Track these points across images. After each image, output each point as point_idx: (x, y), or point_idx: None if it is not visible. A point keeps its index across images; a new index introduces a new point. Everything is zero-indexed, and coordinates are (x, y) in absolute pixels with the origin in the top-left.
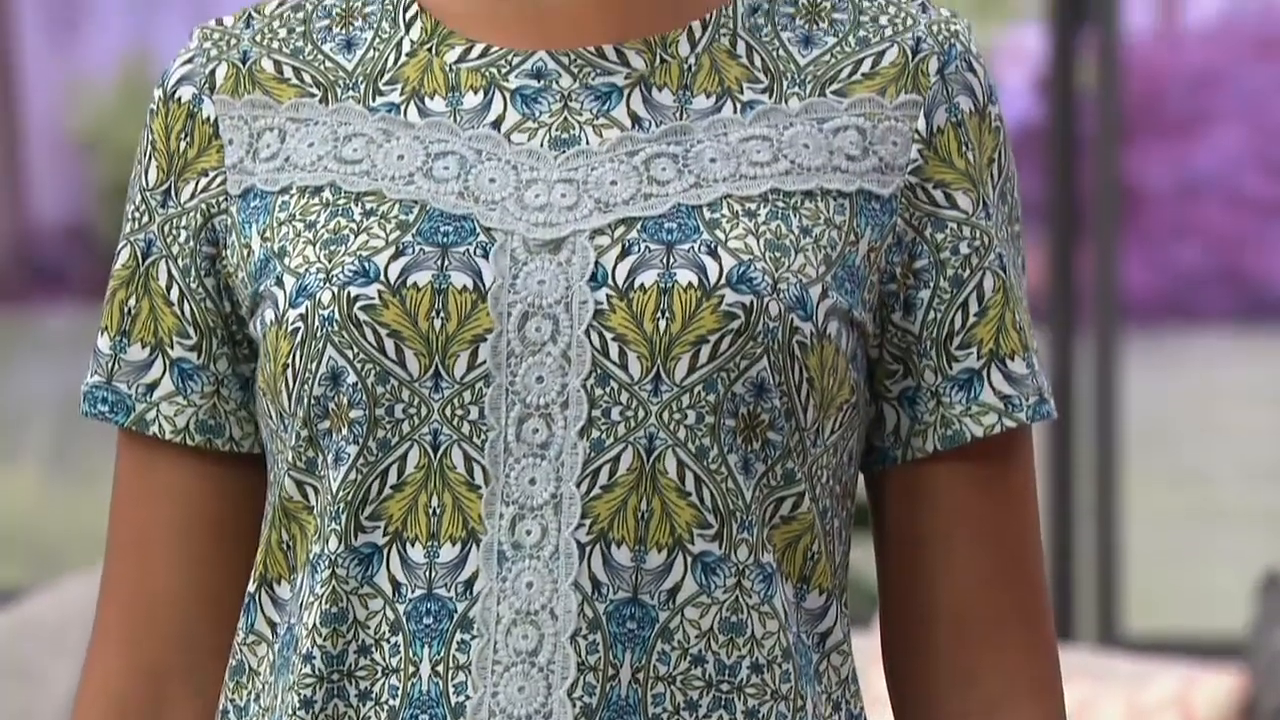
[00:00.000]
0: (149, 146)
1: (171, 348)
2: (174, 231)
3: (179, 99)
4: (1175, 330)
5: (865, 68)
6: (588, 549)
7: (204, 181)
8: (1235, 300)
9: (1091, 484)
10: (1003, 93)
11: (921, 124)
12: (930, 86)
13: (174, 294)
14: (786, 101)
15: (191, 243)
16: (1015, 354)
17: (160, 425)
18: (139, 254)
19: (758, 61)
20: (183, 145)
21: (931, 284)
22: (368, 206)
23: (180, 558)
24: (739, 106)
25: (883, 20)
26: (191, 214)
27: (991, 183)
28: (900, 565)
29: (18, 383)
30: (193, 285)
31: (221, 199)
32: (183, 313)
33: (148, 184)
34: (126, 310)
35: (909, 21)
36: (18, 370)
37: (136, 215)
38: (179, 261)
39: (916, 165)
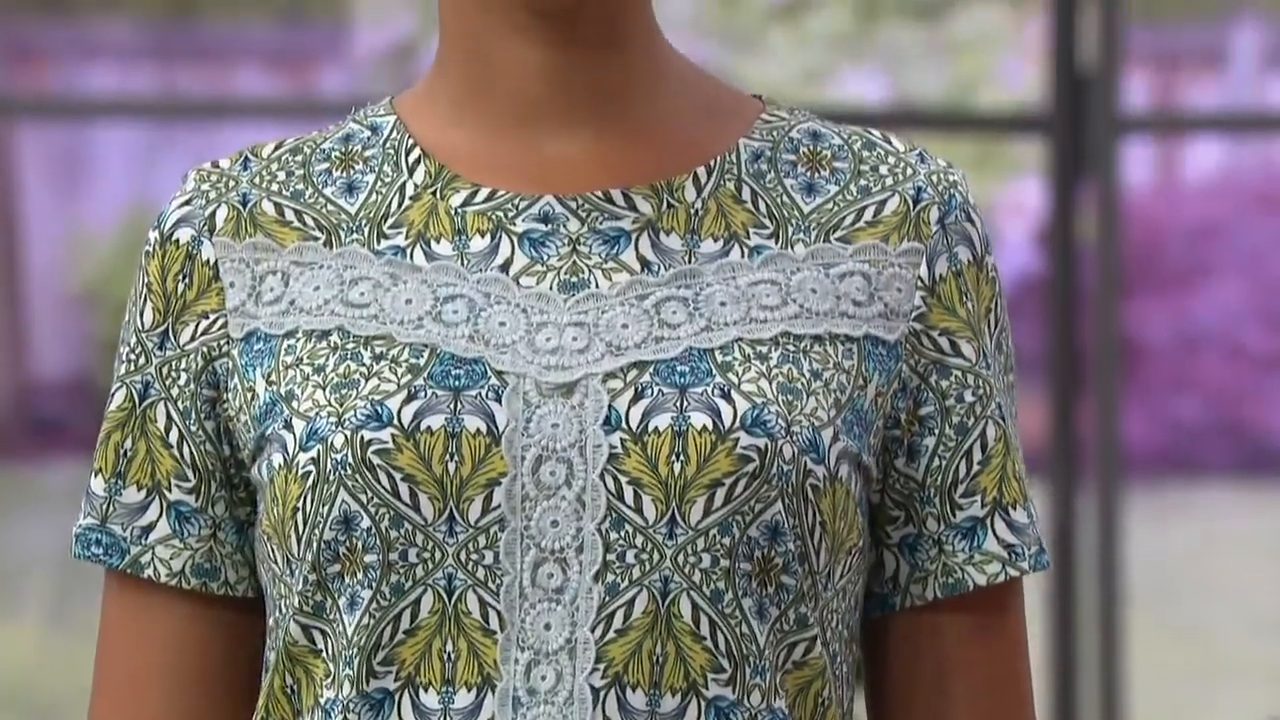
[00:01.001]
0: (144, 289)
1: (169, 490)
2: (173, 374)
3: (177, 241)
4: (1176, 483)
5: (868, 215)
6: (602, 693)
7: (204, 324)
8: (1236, 453)
9: (1094, 638)
10: (1003, 245)
11: (924, 271)
12: (931, 235)
13: (173, 436)
14: (793, 247)
15: (192, 385)
16: (1017, 503)
17: (155, 568)
18: (135, 396)
19: (763, 207)
20: (180, 287)
21: (936, 431)
22: (377, 350)
23: (174, 702)
24: (746, 251)
25: (883, 170)
26: (192, 356)
27: (989, 332)
28: (895, 712)
29: (17, 536)
30: (193, 428)
31: (223, 342)
32: (182, 455)
33: (143, 325)
34: (122, 452)
35: (909, 171)
36: (17, 524)
37: (132, 357)
38: (179, 404)
39: (920, 312)
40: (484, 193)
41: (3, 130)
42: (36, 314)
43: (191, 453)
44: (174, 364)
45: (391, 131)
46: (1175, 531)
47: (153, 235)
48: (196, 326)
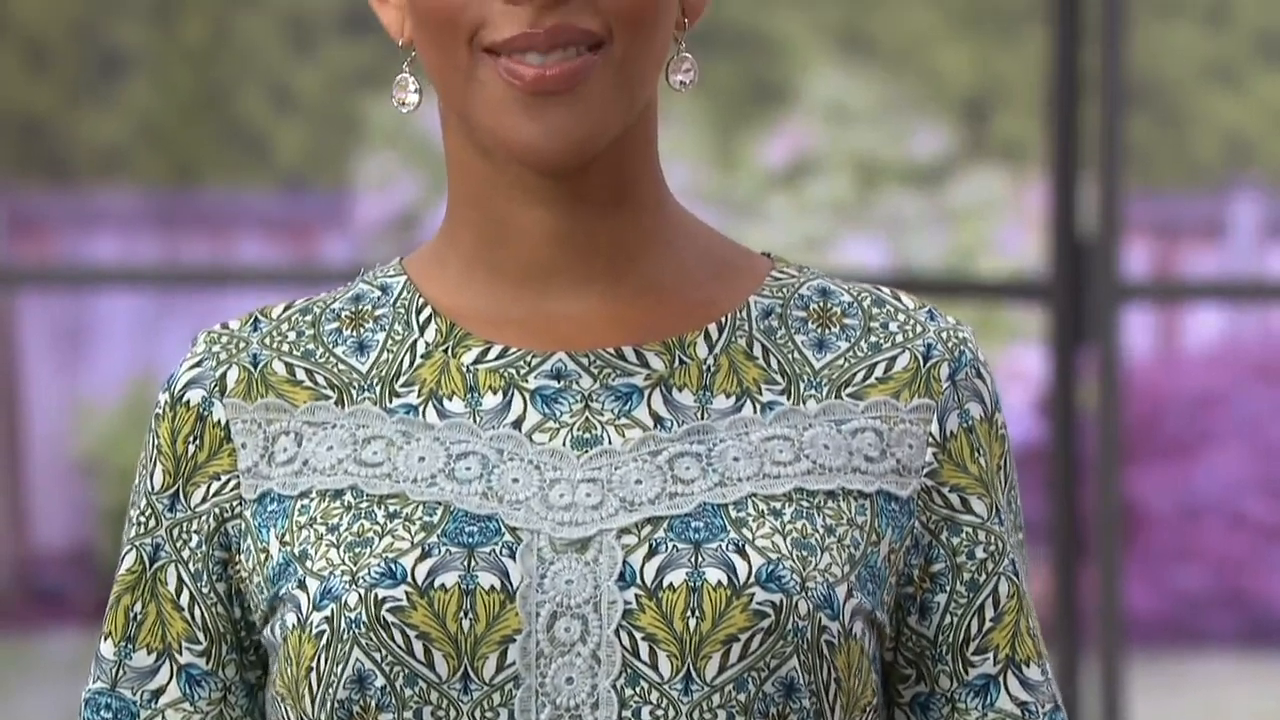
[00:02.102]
0: (154, 451)
1: (180, 653)
2: (184, 536)
3: (187, 402)
4: (1179, 652)
5: (879, 372)
6: None
7: (215, 485)
8: (1239, 623)
9: None
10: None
11: (935, 428)
12: (942, 392)
13: (184, 599)
14: (804, 403)
15: (204, 547)
16: (1030, 660)
17: None
18: (145, 558)
19: (774, 363)
20: (191, 449)
21: (948, 588)
22: (391, 509)
23: None
24: (759, 407)
25: (892, 326)
26: (204, 518)
27: (1000, 488)
28: None
29: (19, 705)
30: (204, 590)
31: (235, 503)
32: (193, 618)
33: (153, 488)
34: (132, 616)
35: (918, 329)
36: (19, 693)
37: (142, 520)
38: (190, 566)
39: (932, 469)
40: (496, 350)
41: (5, 299)
42: (38, 484)
43: (203, 615)
44: (185, 526)
45: (402, 291)
46: (1178, 702)
47: (163, 398)
48: (208, 488)
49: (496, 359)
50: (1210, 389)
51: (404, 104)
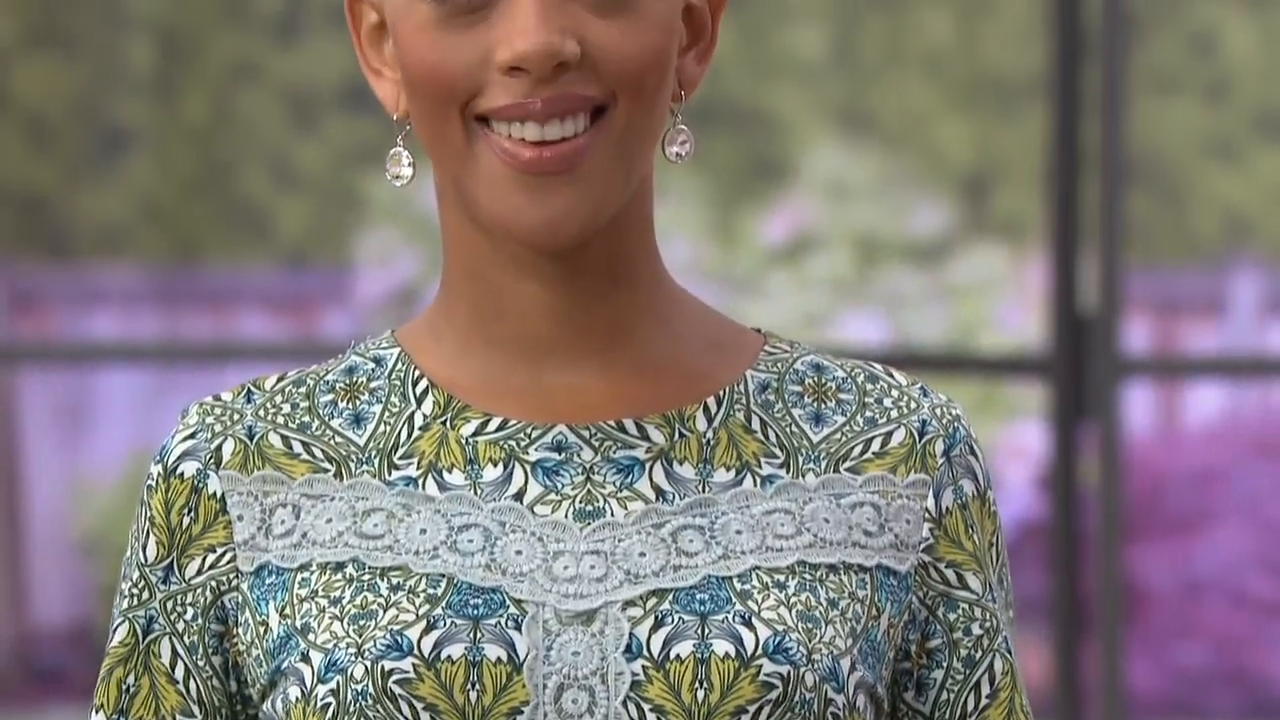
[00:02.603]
0: (147, 523)
1: None
2: (179, 608)
3: (181, 474)
4: None
5: (875, 447)
6: None
7: (211, 558)
8: (1240, 700)
9: None
10: (1004, 489)
11: (930, 503)
12: (937, 468)
13: (179, 671)
14: (804, 476)
15: (200, 620)
16: None
17: None
18: (139, 630)
19: (773, 437)
20: (186, 521)
21: (945, 664)
22: (394, 581)
23: None
24: (759, 480)
25: (887, 402)
26: (199, 591)
27: (992, 565)
28: None
29: None
30: (199, 663)
31: (232, 576)
32: (188, 690)
33: (146, 560)
34: (125, 688)
35: (913, 405)
36: None
37: (134, 592)
38: (185, 639)
39: (928, 544)
40: (495, 422)
41: (5, 376)
42: (37, 562)
43: (198, 688)
44: (179, 599)
45: (396, 363)
46: None
47: (155, 470)
48: (203, 560)
49: (496, 431)
50: (1211, 465)
51: (398, 178)
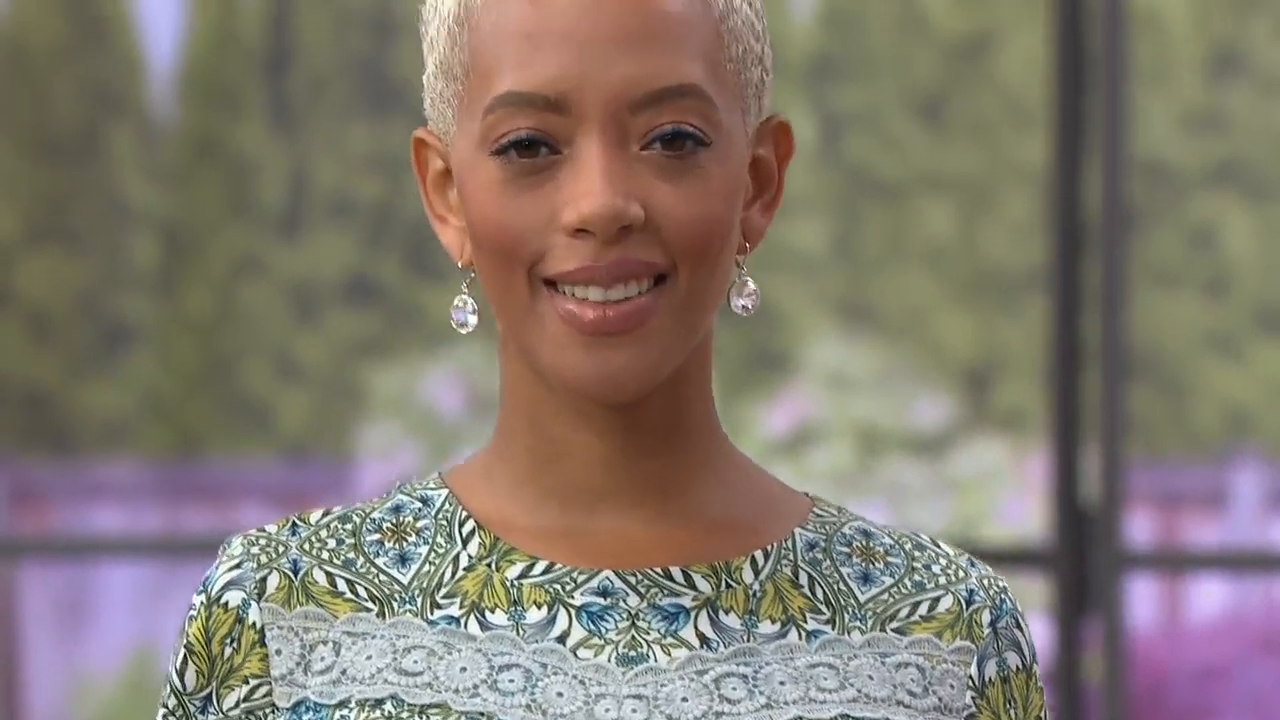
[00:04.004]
0: (185, 651)
1: None
2: None
3: (225, 604)
4: None
5: (922, 610)
6: None
7: (246, 690)
8: None
9: None
10: None
11: (974, 671)
12: (983, 637)
13: None
14: (849, 634)
15: None
16: None
17: None
18: None
19: (819, 593)
20: (228, 651)
21: None
22: (433, 718)
23: None
24: (804, 634)
25: (935, 569)
26: None
27: None
28: None
29: None
30: None
31: (268, 710)
32: None
33: (185, 688)
34: None
35: (961, 573)
36: None
37: (173, 718)
38: None
39: (970, 712)
40: (541, 565)
41: (5, 570)
42: None
43: None
44: None
45: (444, 504)
46: None
47: (198, 600)
48: (240, 692)
49: (542, 574)
50: (1215, 661)
51: (463, 326)
